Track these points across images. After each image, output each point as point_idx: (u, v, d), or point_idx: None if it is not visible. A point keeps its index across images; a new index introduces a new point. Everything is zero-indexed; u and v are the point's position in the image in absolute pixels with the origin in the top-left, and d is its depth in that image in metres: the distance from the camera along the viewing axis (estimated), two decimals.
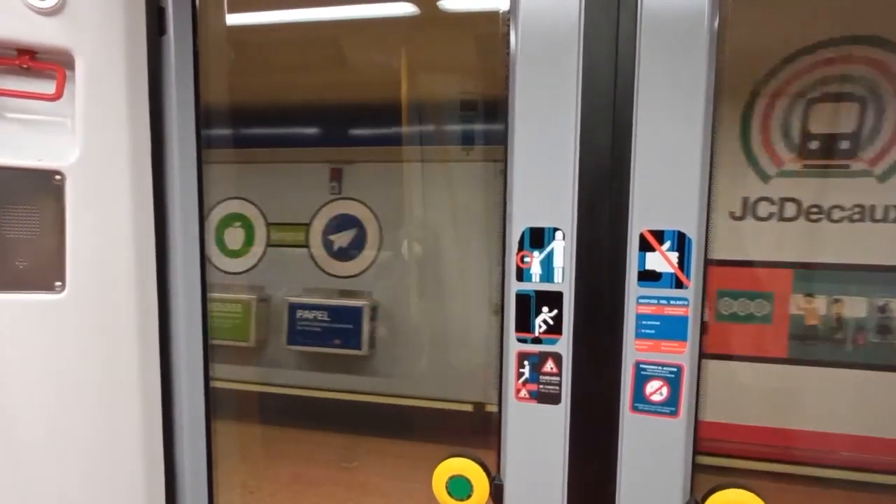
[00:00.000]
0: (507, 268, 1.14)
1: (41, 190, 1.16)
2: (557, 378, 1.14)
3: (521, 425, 1.17)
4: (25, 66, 1.15)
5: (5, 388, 1.16)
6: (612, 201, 1.08)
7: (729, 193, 2.45)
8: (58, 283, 1.18)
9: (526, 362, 1.15)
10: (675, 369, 1.08)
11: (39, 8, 1.11)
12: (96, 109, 1.19)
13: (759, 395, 2.47)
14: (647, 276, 1.08)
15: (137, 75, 1.24)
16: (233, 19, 2.65)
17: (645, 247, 1.07)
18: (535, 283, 1.13)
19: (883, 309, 2.28)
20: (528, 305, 1.14)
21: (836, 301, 2.38)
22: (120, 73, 1.21)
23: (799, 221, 2.39)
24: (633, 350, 1.10)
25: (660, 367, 1.09)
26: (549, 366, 1.14)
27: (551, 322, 1.13)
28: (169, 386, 1.36)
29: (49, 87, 1.16)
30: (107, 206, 1.21)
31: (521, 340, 1.15)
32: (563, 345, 1.13)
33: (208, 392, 1.42)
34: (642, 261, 1.08)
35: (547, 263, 1.12)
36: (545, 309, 1.13)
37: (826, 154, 2.34)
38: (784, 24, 2.37)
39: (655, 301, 1.08)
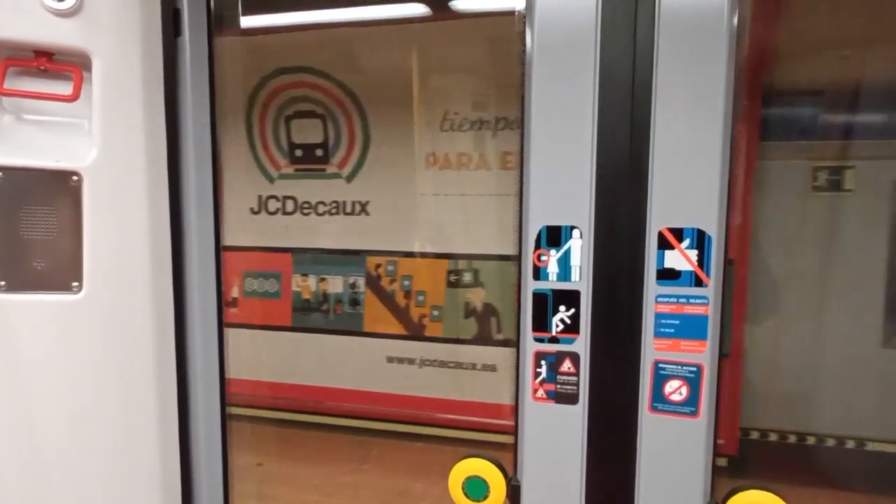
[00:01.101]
0: (524, 266, 1.14)
1: (58, 191, 1.16)
2: (575, 378, 1.13)
3: (539, 426, 1.16)
4: (43, 67, 1.15)
5: (24, 387, 1.17)
6: (629, 199, 1.07)
7: (248, 192, 3.03)
8: (75, 284, 1.18)
9: (543, 362, 1.14)
10: (694, 369, 1.07)
11: (56, 10, 1.12)
12: (113, 110, 1.19)
13: (272, 356, 3.11)
14: (666, 275, 1.07)
15: (153, 76, 1.25)
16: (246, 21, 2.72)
17: (664, 245, 1.06)
18: (552, 282, 1.12)
19: (353, 285, 2.97)
20: (544, 304, 1.13)
21: (323, 279, 3.00)
22: (136, 75, 1.21)
23: (296, 215, 2.99)
24: (652, 349, 1.09)
25: (679, 367, 1.08)
26: (567, 365, 1.13)
27: (568, 321, 1.12)
28: (185, 384, 1.36)
29: (66, 89, 1.16)
30: (123, 207, 1.22)
31: (538, 340, 1.14)
32: (581, 344, 1.12)
33: (224, 391, 1.42)
34: (661, 259, 1.06)
35: (564, 262, 1.11)
36: (562, 308, 1.12)
37: (307, 160, 2.95)
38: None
39: (675, 300, 1.07)
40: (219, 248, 1.37)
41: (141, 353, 1.26)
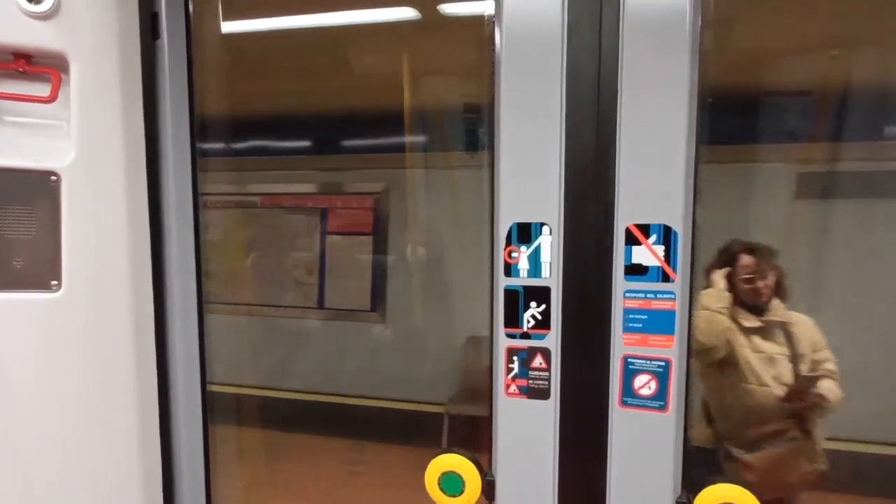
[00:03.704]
0: (495, 263, 1.15)
1: (37, 190, 1.18)
2: (546, 373, 1.14)
3: (512, 421, 1.17)
4: (21, 69, 1.17)
5: (3, 385, 1.18)
6: (597, 196, 1.09)
7: None
8: (54, 283, 1.20)
9: (515, 358, 1.16)
10: (663, 363, 1.09)
11: (34, 12, 1.14)
12: (91, 112, 1.21)
13: None
14: (634, 270, 1.08)
15: (131, 78, 1.26)
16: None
17: (631, 241, 1.08)
18: (522, 279, 1.14)
19: None
20: (516, 301, 1.14)
21: None
22: (114, 77, 1.23)
23: None
24: (621, 344, 1.10)
25: (648, 362, 1.09)
26: (538, 361, 1.15)
27: (539, 317, 1.13)
28: (165, 384, 1.38)
29: (44, 90, 1.18)
30: (102, 207, 1.23)
31: (509, 336, 1.15)
32: (552, 340, 1.13)
33: (205, 389, 1.44)
34: (629, 255, 1.08)
35: (534, 258, 1.13)
36: (533, 304, 1.13)
37: None
38: None
39: (642, 295, 1.08)
40: (198, 246, 1.39)
41: (121, 351, 1.28)
